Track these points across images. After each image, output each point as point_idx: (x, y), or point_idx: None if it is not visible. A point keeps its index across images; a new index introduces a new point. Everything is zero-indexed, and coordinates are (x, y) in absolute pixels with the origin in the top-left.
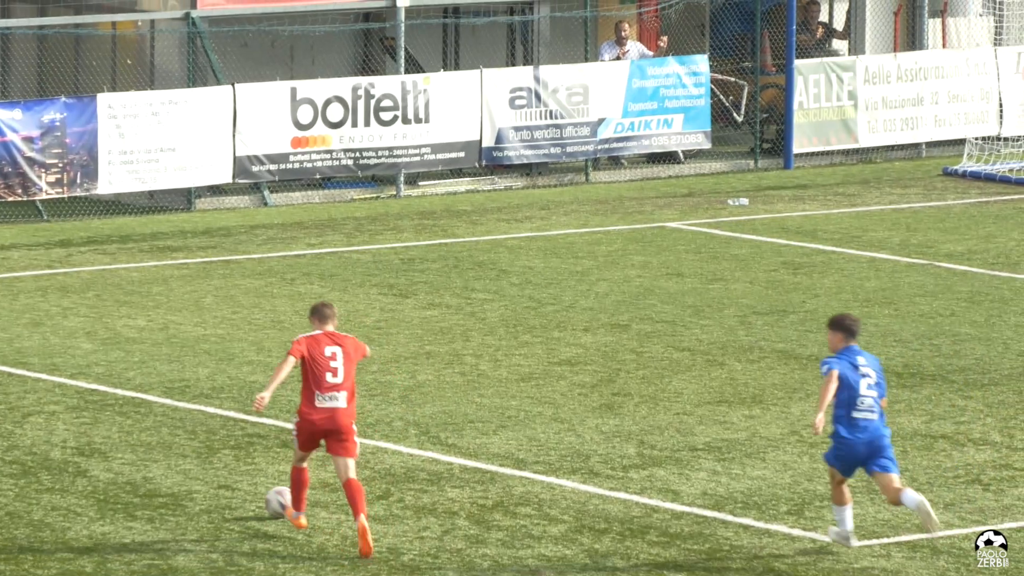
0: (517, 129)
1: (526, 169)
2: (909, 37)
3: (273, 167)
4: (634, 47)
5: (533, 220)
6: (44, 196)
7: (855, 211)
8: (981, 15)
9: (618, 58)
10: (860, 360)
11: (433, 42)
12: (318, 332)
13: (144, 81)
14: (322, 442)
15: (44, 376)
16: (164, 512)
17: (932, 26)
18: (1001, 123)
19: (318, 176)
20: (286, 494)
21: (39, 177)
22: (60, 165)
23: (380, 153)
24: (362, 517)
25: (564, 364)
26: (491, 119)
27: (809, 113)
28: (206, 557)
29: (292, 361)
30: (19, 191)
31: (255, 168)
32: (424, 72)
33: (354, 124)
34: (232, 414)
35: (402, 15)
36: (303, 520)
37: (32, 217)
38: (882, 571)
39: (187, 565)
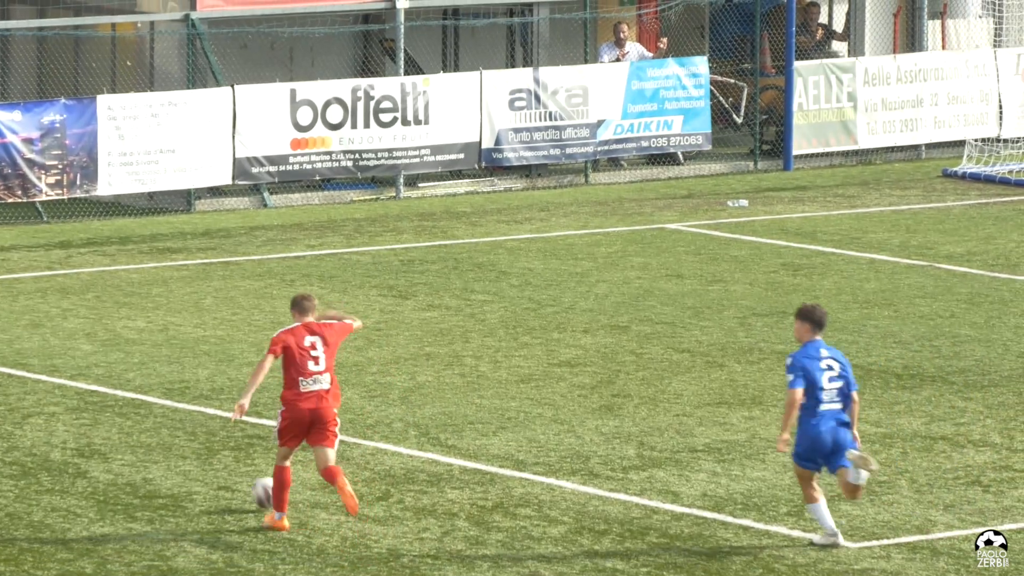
0: (517, 131)
1: (526, 171)
2: (909, 39)
3: (273, 169)
4: (633, 48)
5: (533, 222)
6: (44, 197)
7: (855, 213)
8: (981, 17)
9: (618, 60)
10: (823, 352)
11: (433, 44)
12: (296, 324)
13: (144, 83)
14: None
15: (44, 377)
16: (164, 513)
17: (932, 28)
18: (1001, 125)
19: (318, 178)
20: (271, 485)
21: (39, 178)
22: (60, 167)
23: (380, 155)
24: (342, 480)
25: (564, 365)
26: (491, 121)
27: (809, 115)
28: (206, 558)
29: (271, 360)
30: (19, 192)
31: (255, 169)
32: (424, 74)
33: (354, 126)
34: (232, 415)
35: (401, 17)
36: (285, 522)
37: (32, 218)
38: (882, 572)
39: (187, 566)
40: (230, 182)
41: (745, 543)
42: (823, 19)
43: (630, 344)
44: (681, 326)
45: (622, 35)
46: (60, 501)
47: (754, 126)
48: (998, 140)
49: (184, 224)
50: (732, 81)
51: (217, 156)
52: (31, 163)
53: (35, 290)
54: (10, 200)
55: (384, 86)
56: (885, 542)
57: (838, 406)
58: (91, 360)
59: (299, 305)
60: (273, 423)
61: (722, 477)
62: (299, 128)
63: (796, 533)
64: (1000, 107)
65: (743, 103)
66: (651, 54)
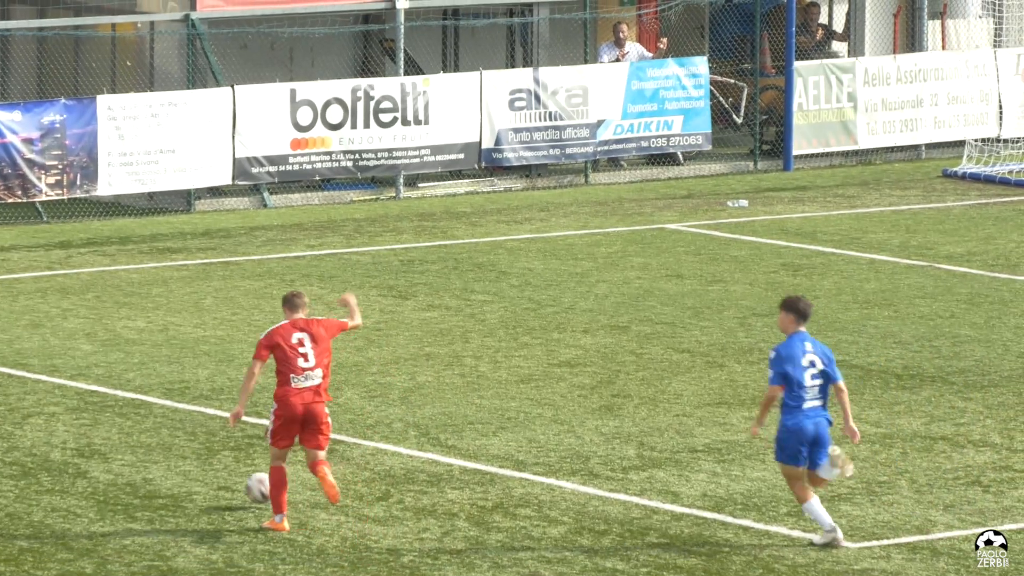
0: (516, 131)
1: (525, 171)
2: (909, 39)
3: (272, 169)
4: (633, 48)
5: (532, 222)
6: (44, 198)
7: (855, 213)
8: (981, 17)
9: (617, 60)
10: (807, 346)
11: (432, 44)
12: (285, 322)
13: (144, 83)
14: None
15: (44, 377)
16: (164, 513)
17: (932, 28)
18: (1000, 125)
19: (317, 178)
20: (267, 482)
21: (39, 179)
22: (60, 167)
23: (379, 155)
24: (324, 470)
25: (564, 366)
26: (490, 121)
27: (809, 115)
28: (206, 558)
29: (259, 365)
30: (19, 193)
31: (254, 170)
32: (424, 74)
33: (353, 126)
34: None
35: (401, 17)
36: (285, 523)
37: (32, 219)
38: (882, 572)
39: (187, 566)
40: (230, 182)
41: (745, 543)
42: (823, 19)
43: (630, 344)
44: (681, 326)
45: (622, 35)
46: (60, 501)
47: (754, 126)
48: (998, 140)
49: (184, 224)
50: (732, 81)
51: (217, 156)
52: (31, 163)
53: (35, 290)
54: (10, 200)
55: (384, 86)
56: (885, 542)
57: (819, 403)
58: (91, 360)
59: (290, 302)
60: None
61: (722, 477)
62: (299, 128)
63: (796, 533)
64: (1000, 107)
65: (743, 103)
66: (651, 54)
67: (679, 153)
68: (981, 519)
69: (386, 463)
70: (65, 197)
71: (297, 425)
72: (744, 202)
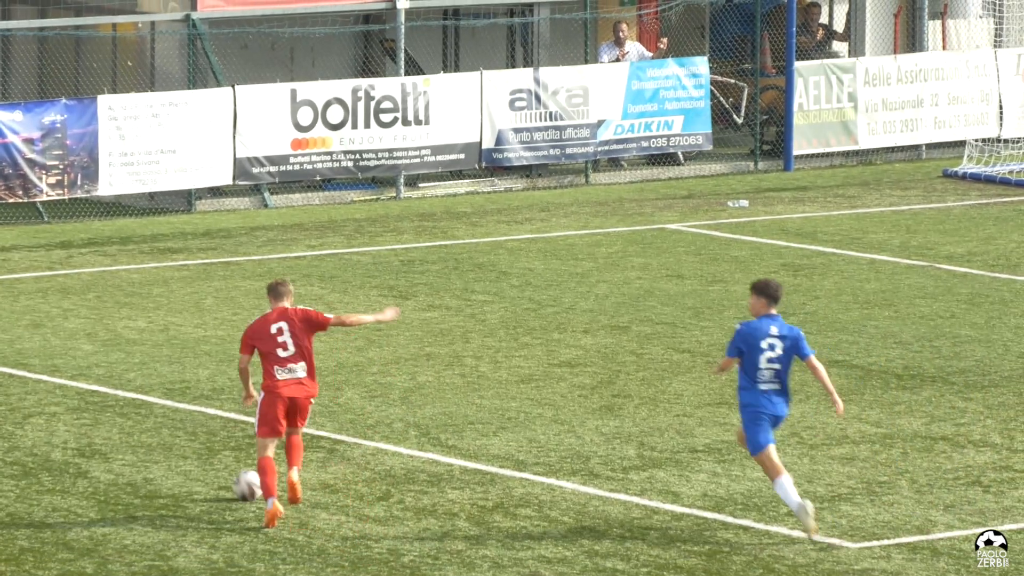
0: (517, 131)
1: (526, 171)
2: (909, 39)
3: (273, 169)
4: (633, 48)
5: (533, 222)
6: (45, 198)
7: (855, 213)
8: (981, 17)
9: (618, 59)
10: (772, 330)
11: (433, 44)
12: (268, 312)
13: (144, 83)
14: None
15: (45, 377)
16: (165, 513)
17: (932, 28)
18: (1001, 125)
19: (318, 178)
20: (255, 479)
21: (40, 179)
22: (61, 167)
23: (380, 155)
24: (294, 471)
25: (564, 366)
26: (491, 121)
27: (809, 115)
28: (206, 558)
29: (245, 359)
30: (20, 193)
31: (255, 170)
32: (424, 74)
33: (354, 126)
34: (232, 415)
35: (402, 17)
36: (279, 506)
37: (33, 219)
38: (882, 572)
39: (187, 566)
40: (231, 182)
41: (745, 543)
42: (823, 19)
43: (630, 344)
44: (681, 326)
45: (621, 34)
46: (61, 501)
47: (754, 126)
48: (998, 140)
49: (185, 224)
50: (732, 81)
51: (218, 156)
52: (32, 163)
53: (36, 290)
54: (11, 200)
55: (384, 86)
56: (885, 542)
57: (776, 386)
58: (92, 360)
59: (274, 291)
60: None
61: (722, 477)
62: (300, 128)
63: (796, 533)
64: (1000, 107)
65: (743, 103)
66: (651, 54)
67: (679, 153)
68: (981, 519)
69: (386, 463)
70: (66, 197)
71: (283, 413)
72: (744, 202)
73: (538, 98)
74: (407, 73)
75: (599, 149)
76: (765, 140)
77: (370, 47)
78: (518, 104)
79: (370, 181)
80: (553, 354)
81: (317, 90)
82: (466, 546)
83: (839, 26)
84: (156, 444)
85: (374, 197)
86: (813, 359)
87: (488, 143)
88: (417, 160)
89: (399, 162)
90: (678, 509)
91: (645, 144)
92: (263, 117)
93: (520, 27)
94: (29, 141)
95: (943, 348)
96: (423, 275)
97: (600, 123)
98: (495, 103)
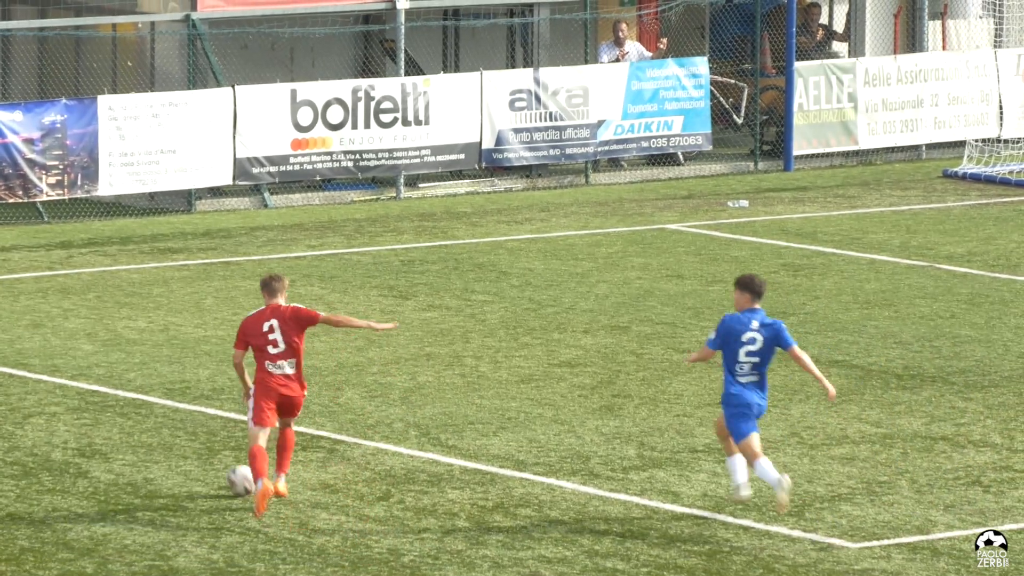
0: (517, 131)
1: (526, 171)
2: (909, 39)
3: (273, 169)
4: (633, 48)
5: (533, 222)
6: (45, 198)
7: (855, 213)
8: (981, 17)
9: (617, 59)
10: (754, 324)
11: (433, 44)
12: (262, 308)
13: (144, 83)
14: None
15: (45, 377)
16: (165, 513)
17: (932, 28)
18: (1001, 125)
19: (318, 178)
20: (250, 475)
21: (40, 179)
22: (61, 167)
23: (380, 155)
24: (282, 481)
25: (564, 366)
26: (491, 121)
27: (809, 115)
28: (207, 558)
29: (240, 355)
30: (20, 193)
31: (255, 170)
32: (424, 74)
33: (354, 126)
34: (233, 415)
35: (402, 17)
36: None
37: (33, 219)
38: (882, 572)
39: (188, 566)
40: (231, 182)
41: (745, 543)
42: (823, 19)
43: (630, 344)
44: (681, 326)
45: (621, 34)
46: (61, 501)
47: (754, 126)
48: (998, 140)
49: (185, 224)
50: (732, 81)
51: (218, 156)
52: (32, 163)
53: (36, 290)
54: (11, 200)
55: (384, 86)
56: (886, 542)
57: (754, 379)
58: (92, 360)
59: (268, 287)
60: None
61: (722, 477)
62: (300, 128)
63: (796, 533)
64: (1000, 107)
65: (743, 103)
66: (650, 54)
67: (679, 153)
68: (982, 519)
69: (387, 463)
70: (66, 197)
71: (275, 404)
72: (744, 202)
73: (538, 98)
74: (407, 73)
75: (599, 149)
76: (765, 140)
77: (370, 47)
78: (518, 104)
79: (370, 181)
80: (553, 354)
81: (317, 90)
82: (466, 546)
83: (839, 26)
84: (156, 444)
85: (374, 197)
86: (796, 349)
87: (488, 143)
88: (417, 160)
89: (399, 162)
90: (678, 509)
91: (645, 144)
92: (263, 117)
93: (520, 27)
94: (29, 141)
95: (943, 348)
96: (423, 275)
97: (600, 123)
98: (495, 103)
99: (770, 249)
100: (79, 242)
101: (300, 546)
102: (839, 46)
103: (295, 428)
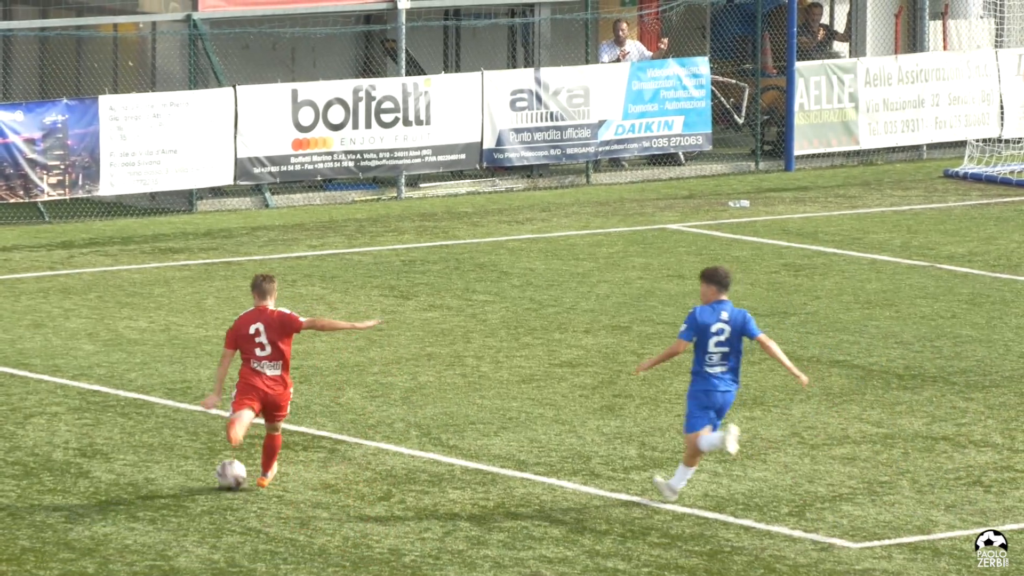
0: (518, 131)
1: (527, 171)
2: (910, 39)
3: (274, 169)
4: (634, 47)
5: (534, 222)
6: (46, 198)
7: (856, 213)
8: (982, 17)
9: (618, 59)
10: (723, 315)
11: (434, 44)
12: (251, 309)
13: (146, 83)
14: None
15: (46, 377)
16: (166, 513)
17: (933, 28)
18: (1002, 125)
19: (319, 178)
20: (240, 471)
21: (41, 179)
22: (62, 167)
23: (381, 155)
24: (267, 478)
25: (565, 366)
26: (492, 121)
27: (810, 115)
28: (208, 558)
29: (228, 353)
30: (21, 193)
31: (256, 170)
32: (425, 74)
33: (355, 126)
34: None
35: (403, 17)
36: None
37: (34, 219)
38: (883, 572)
39: (189, 566)
40: (232, 182)
41: (746, 543)
42: (824, 19)
43: (631, 344)
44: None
45: (621, 33)
46: (62, 501)
47: (755, 126)
48: (999, 140)
49: (186, 224)
50: (733, 81)
51: (219, 156)
52: (33, 163)
53: (37, 290)
54: (12, 200)
55: (385, 86)
56: (887, 542)
57: (723, 369)
58: (93, 360)
59: (258, 288)
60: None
61: (723, 477)
62: (301, 128)
63: (797, 533)
64: (1001, 107)
65: (744, 103)
66: (651, 53)
67: (680, 153)
68: (983, 519)
69: (388, 463)
70: (67, 197)
71: (256, 401)
72: (745, 202)
73: (539, 98)
74: (408, 73)
75: (600, 149)
76: (766, 140)
77: (371, 47)
78: (519, 104)
79: (371, 181)
80: (554, 354)
81: (318, 90)
82: (467, 546)
83: (840, 26)
84: (157, 444)
85: (375, 197)
86: (763, 337)
87: (489, 143)
88: (418, 160)
89: (400, 162)
90: (679, 509)
91: (646, 144)
92: (264, 117)
93: (521, 27)
94: (30, 141)
95: (944, 348)
96: (424, 275)
97: (601, 123)
98: (496, 103)
99: (771, 249)
100: (80, 242)
101: (301, 546)
102: (840, 46)
103: (297, 428)
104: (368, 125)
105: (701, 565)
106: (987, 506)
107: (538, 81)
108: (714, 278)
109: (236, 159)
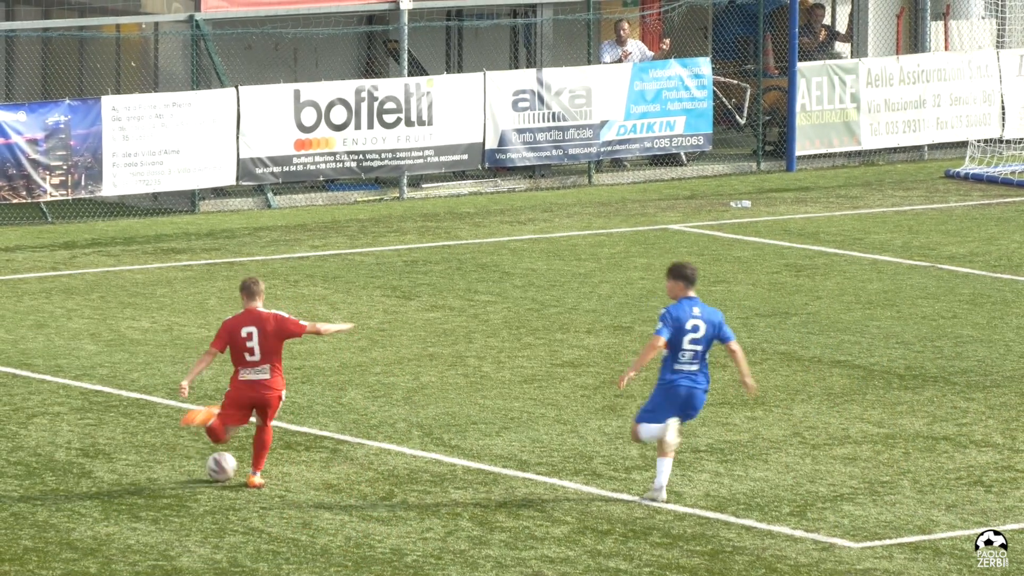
0: (520, 131)
1: (529, 171)
2: (911, 39)
3: (276, 169)
4: (635, 47)
5: (536, 222)
6: (48, 198)
7: (857, 213)
8: (983, 18)
9: (620, 59)
10: (695, 311)
11: (436, 44)
12: (241, 312)
13: (148, 83)
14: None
15: (49, 377)
16: (168, 513)
17: (934, 29)
18: (1003, 125)
19: (321, 178)
20: (230, 465)
21: (43, 179)
22: (64, 167)
23: (383, 155)
24: (257, 476)
25: (567, 366)
26: (494, 121)
27: (811, 115)
28: (210, 558)
29: (214, 352)
30: (23, 193)
31: (259, 170)
32: (427, 75)
33: (357, 126)
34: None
35: (405, 18)
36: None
37: (36, 219)
38: (884, 572)
39: (191, 566)
40: (234, 183)
41: (748, 543)
42: (826, 20)
43: (633, 345)
44: None
45: (623, 33)
46: (65, 501)
47: (757, 127)
48: (1001, 141)
49: (188, 225)
50: (735, 82)
51: (221, 157)
52: (36, 164)
53: (40, 290)
54: (15, 201)
55: (388, 87)
56: (887, 542)
57: (694, 367)
58: (95, 360)
59: (247, 290)
60: (276, 424)
61: (725, 477)
62: (303, 129)
63: (799, 533)
64: (1003, 108)
65: (746, 104)
66: (652, 53)
67: (682, 154)
68: (983, 519)
69: (390, 463)
70: (69, 197)
71: (246, 409)
72: (747, 203)
73: (541, 99)
74: (410, 74)
75: (602, 150)
76: (768, 141)
77: (373, 48)
78: (521, 105)
79: (373, 182)
80: (556, 354)
81: (320, 91)
82: (469, 546)
83: (842, 27)
84: (159, 444)
85: (377, 198)
86: (733, 344)
87: (491, 144)
88: (420, 161)
89: (402, 163)
90: (681, 509)
91: (648, 145)
92: (266, 118)
93: (523, 28)
94: (33, 142)
95: (945, 348)
96: (426, 275)
97: (603, 124)
98: (498, 104)
99: (772, 249)
100: (83, 242)
101: (303, 546)
102: (842, 46)
103: (299, 428)
104: (370, 125)
105: (703, 565)
106: (988, 506)
107: (540, 81)
108: (681, 274)
109: (238, 159)
